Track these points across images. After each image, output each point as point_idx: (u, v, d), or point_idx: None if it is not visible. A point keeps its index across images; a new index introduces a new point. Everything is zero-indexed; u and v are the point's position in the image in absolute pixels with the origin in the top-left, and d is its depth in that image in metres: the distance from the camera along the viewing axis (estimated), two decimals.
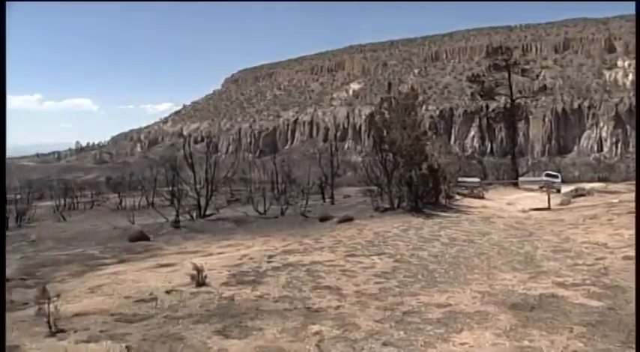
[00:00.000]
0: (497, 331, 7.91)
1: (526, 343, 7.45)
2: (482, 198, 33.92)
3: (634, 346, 7.18)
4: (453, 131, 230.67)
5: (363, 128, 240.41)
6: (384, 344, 7.48)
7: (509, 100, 54.40)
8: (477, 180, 42.79)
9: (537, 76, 70.25)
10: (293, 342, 7.57)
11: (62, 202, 47.56)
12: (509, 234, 18.53)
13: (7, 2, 8.23)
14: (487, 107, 67.55)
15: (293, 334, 7.87)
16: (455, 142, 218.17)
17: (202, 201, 27.95)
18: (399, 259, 13.83)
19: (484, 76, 56.45)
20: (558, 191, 38.62)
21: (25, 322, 8.58)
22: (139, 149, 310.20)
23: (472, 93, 62.81)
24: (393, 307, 9.24)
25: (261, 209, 28.72)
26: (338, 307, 9.31)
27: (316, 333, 7.89)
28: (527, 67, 59.39)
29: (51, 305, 8.23)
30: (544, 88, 67.86)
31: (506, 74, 52.92)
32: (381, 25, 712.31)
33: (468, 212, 25.65)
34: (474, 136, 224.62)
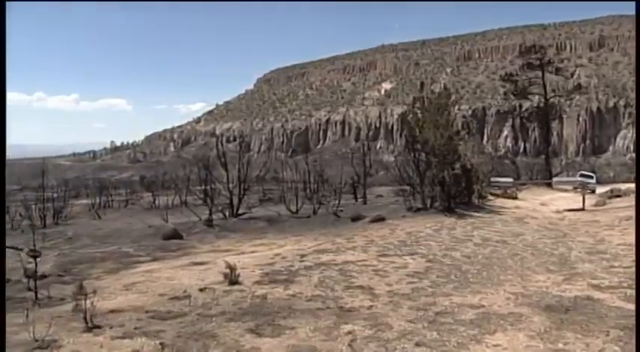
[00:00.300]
0: (531, 333, 7.83)
1: (560, 346, 7.36)
2: (516, 198, 33.58)
3: None
4: (485, 131, 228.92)
5: (395, 127, 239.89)
6: (417, 344, 7.45)
7: (542, 99, 53.81)
8: (510, 180, 42.42)
9: (572, 74, 70.08)
10: (325, 341, 7.57)
11: (97, 200, 48.22)
12: (542, 235, 18.34)
13: (7, 2, 8.29)
14: (520, 106, 66.87)
15: (325, 333, 7.88)
16: (487, 142, 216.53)
17: (235, 200, 28.10)
18: (432, 259, 13.77)
19: (517, 75, 55.92)
20: (593, 192, 38.04)
21: (62, 317, 8.74)
22: (172, 148, 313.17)
23: (505, 93, 62.23)
24: (426, 307, 9.20)
25: (293, 208, 28.80)
26: (370, 307, 9.29)
27: (349, 333, 7.89)
28: (561, 65, 58.79)
29: (87, 302, 8.36)
30: (579, 86, 67.39)
31: (539, 73, 52.32)
32: (412, 25, 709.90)
33: (501, 212, 25.43)
34: (507, 136, 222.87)
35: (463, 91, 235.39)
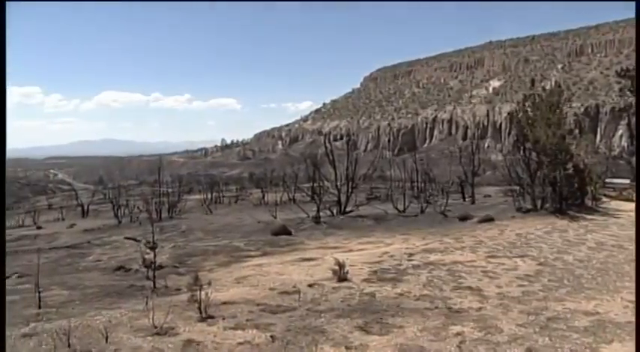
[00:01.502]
0: None
1: None
2: (632, 200, 32.00)
3: None
4: (599, 129, 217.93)
5: (503, 126, 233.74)
6: (528, 349, 7.24)
7: None
8: (626, 181, 40.49)
9: None
10: (434, 342, 7.50)
11: (209, 196, 49.91)
12: None
13: (6, 2, 8.44)
14: (637, 103, 63.25)
15: (434, 333, 7.81)
16: (601, 141, 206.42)
17: (342, 198, 28.30)
18: (543, 262, 13.34)
19: (634, 70, 52.96)
20: None
21: (178, 306, 9.09)
22: (280, 146, 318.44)
23: (621, 89, 59.28)
24: (537, 312, 8.92)
25: (400, 207, 28.71)
26: (479, 308, 9.13)
27: (458, 334, 7.78)
28: None
29: (202, 293, 8.66)
30: None
31: None
32: (521, 20, 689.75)
33: (616, 215, 24.28)
34: (622, 135, 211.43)
35: (575, 88, 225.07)
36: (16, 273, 14.79)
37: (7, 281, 13.63)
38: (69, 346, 7.01)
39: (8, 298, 10.95)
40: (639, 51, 33.69)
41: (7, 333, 7.73)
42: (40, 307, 9.63)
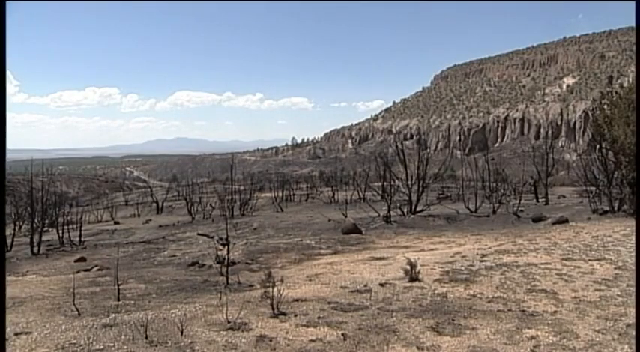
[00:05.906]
0: None
1: None
2: None
3: None
4: None
5: (577, 125, 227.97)
6: None
7: None
8: None
9: None
10: (507, 345, 7.36)
11: (280, 194, 50.44)
12: None
13: (7, 2, 8.45)
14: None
15: (507, 336, 7.67)
16: None
17: (413, 197, 28.15)
18: (621, 266, 12.87)
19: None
20: None
21: (251, 302, 9.24)
22: (350, 145, 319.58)
23: None
24: (616, 317, 8.60)
25: (471, 207, 28.37)
26: (554, 312, 8.90)
27: (532, 338, 7.61)
28: None
29: (274, 290, 8.77)
30: None
31: None
32: (597, 14, 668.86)
33: None
34: None
35: None
36: (96, 266, 15.33)
37: (89, 274, 14.16)
38: (146, 337, 7.22)
39: (89, 289, 11.38)
40: (639, 51, 32.48)
41: (89, 323, 8.05)
42: (119, 299, 9.95)
